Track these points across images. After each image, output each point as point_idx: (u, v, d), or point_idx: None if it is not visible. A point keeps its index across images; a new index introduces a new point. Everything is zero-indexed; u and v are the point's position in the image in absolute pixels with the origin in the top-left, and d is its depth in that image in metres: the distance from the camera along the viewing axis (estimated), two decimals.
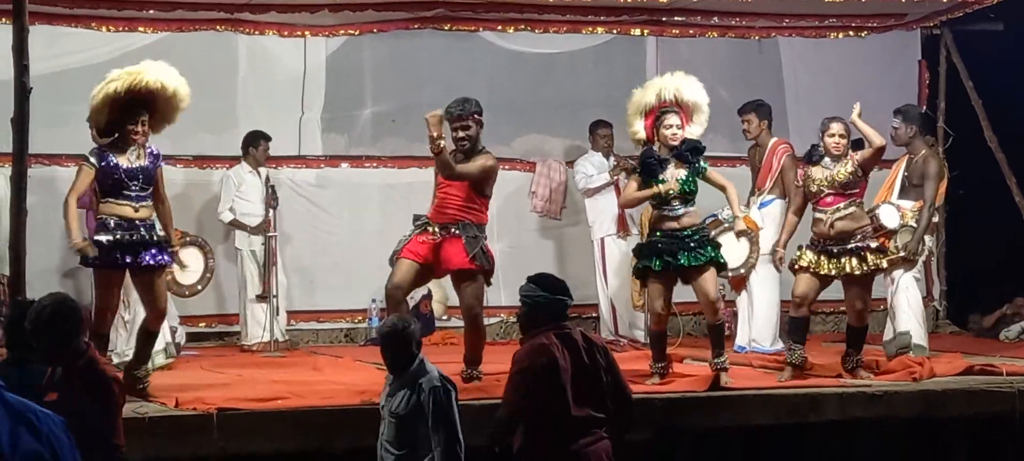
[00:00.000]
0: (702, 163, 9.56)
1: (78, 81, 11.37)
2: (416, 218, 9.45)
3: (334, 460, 8.25)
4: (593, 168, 12.39)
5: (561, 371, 6.78)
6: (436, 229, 9.27)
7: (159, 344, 10.17)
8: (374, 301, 12.65)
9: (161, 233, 9.09)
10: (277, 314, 12.03)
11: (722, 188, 9.70)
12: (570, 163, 13.22)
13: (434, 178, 9.52)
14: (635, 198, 9.87)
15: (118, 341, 10.27)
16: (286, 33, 12.33)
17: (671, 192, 9.45)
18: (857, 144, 9.81)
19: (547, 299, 7.02)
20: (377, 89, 13.08)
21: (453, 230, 9.26)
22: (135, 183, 8.91)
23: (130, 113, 8.92)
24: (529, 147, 13.44)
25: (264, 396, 8.73)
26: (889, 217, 10.21)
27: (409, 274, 9.26)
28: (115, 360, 10.31)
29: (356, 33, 12.45)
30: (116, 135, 8.97)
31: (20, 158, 6.95)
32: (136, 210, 8.91)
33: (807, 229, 9.98)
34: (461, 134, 9.31)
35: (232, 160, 12.35)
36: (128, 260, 8.85)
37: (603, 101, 12.64)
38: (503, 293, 13.04)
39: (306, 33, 12.40)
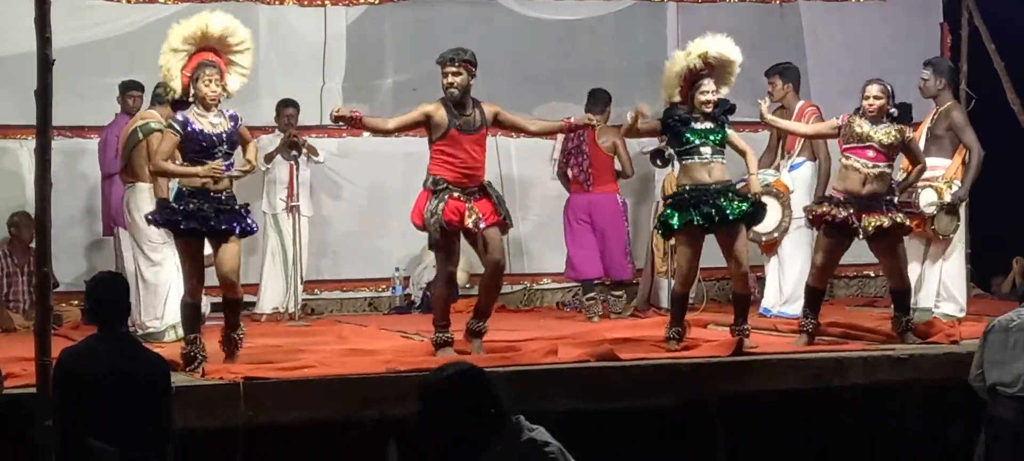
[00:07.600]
0: (727, 124, 9.45)
1: (100, 53, 11.43)
2: (437, 183, 9.14)
3: (362, 429, 8.24)
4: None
5: None
6: (462, 193, 9.13)
7: (177, 316, 9.95)
8: (397, 270, 12.69)
9: (239, 205, 8.73)
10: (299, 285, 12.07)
11: (742, 153, 9.56)
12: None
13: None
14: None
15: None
16: (306, 3, 12.35)
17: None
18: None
19: None
20: (398, 58, 13.05)
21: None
22: (220, 150, 8.54)
23: (199, 71, 8.52)
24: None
25: (291, 365, 8.69)
26: (928, 202, 10.28)
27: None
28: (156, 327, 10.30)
29: (376, 2, 12.48)
30: (190, 99, 8.57)
31: (44, 130, 6.93)
32: (216, 181, 8.54)
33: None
34: (450, 80, 9.08)
35: (253, 131, 12.38)
36: (196, 227, 8.50)
37: (624, 68, 12.62)
38: (526, 261, 13.08)
39: (326, 3, 12.43)
